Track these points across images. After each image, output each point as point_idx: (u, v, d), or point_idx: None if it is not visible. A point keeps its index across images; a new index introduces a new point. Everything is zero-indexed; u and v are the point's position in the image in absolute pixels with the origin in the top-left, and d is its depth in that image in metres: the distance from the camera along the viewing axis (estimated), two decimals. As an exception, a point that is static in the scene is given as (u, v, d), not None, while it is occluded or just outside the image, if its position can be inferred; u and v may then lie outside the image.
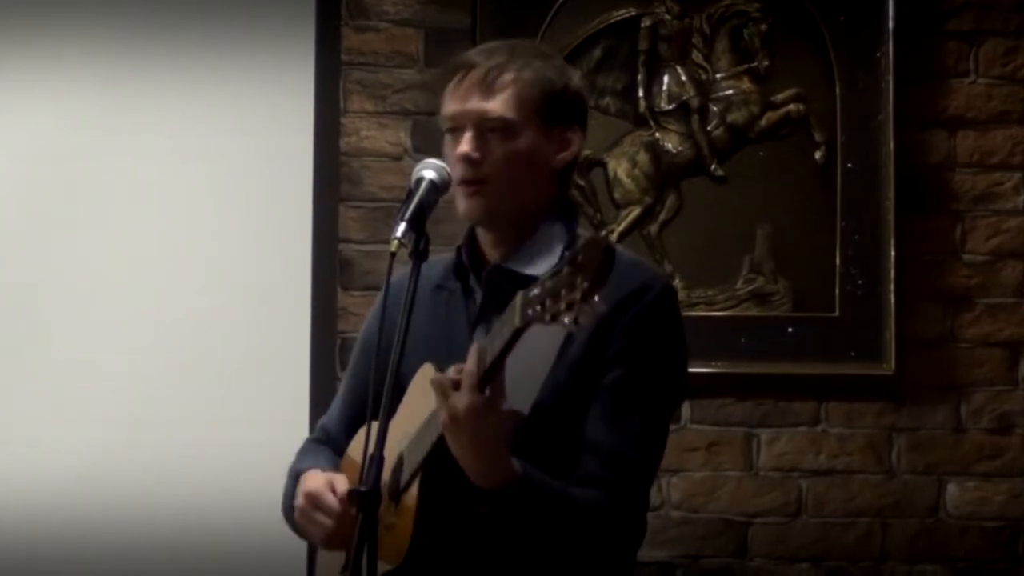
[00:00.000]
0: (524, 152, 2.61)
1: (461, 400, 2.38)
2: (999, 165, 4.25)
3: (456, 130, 2.60)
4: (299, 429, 3.00)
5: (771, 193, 4.22)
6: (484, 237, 2.67)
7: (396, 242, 2.47)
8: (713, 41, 4.26)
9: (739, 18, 4.24)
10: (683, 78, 4.26)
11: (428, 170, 2.56)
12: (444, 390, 2.40)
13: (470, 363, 2.38)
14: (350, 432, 2.79)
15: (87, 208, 4.20)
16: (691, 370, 4.11)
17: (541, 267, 2.57)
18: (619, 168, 4.24)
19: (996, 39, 4.26)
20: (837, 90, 4.21)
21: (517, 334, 2.28)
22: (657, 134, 4.25)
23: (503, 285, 2.58)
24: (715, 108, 4.25)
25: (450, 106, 2.61)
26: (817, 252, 4.21)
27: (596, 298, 2.13)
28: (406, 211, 2.50)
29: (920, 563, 4.21)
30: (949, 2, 4.24)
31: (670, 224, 4.23)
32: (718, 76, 4.26)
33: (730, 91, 4.25)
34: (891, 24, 4.18)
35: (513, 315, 2.27)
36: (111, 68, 4.21)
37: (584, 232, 2.70)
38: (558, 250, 2.63)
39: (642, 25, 4.25)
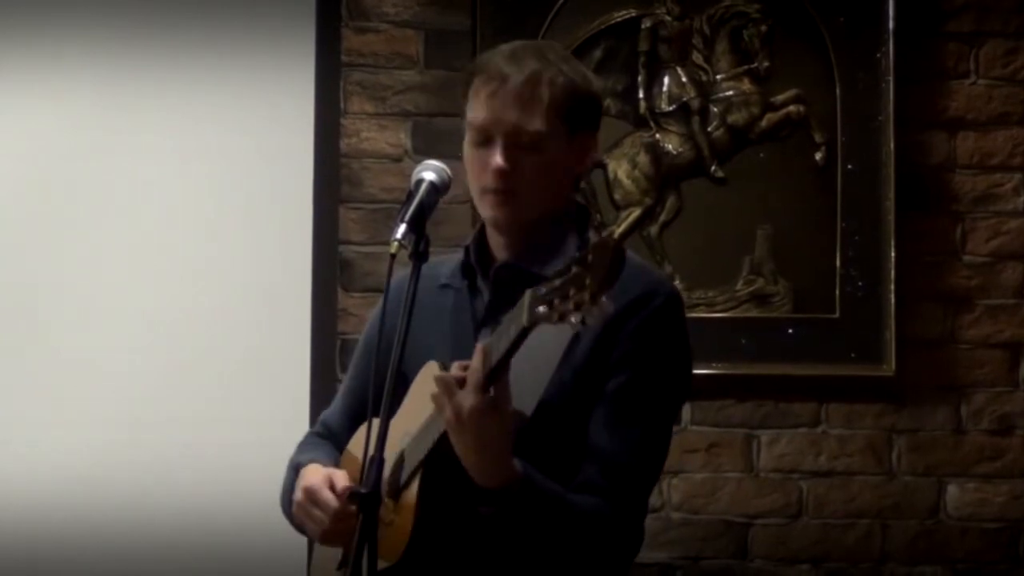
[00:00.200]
0: (553, 164, 2.60)
1: (466, 399, 2.38)
2: (999, 166, 4.25)
3: (486, 140, 2.59)
4: (299, 429, 3.00)
5: (771, 194, 4.23)
6: (496, 239, 2.66)
7: (396, 243, 2.47)
8: (713, 42, 4.26)
9: (739, 19, 4.24)
10: (683, 79, 4.26)
11: (428, 171, 2.56)
12: (449, 388, 2.40)
13: (475, 362, 2.38)
14: (351, 428, 2.79)
15: (87, 208, 4.20)
16: (692, 371, 4.13)
17: (551, 267, 2.55)
18: (619, 169, 4.24)
19: (996, 40, 4.26)
20: (837, 91, 4.21)
21: (524, 333, 2.28)
22: (657, 135, 4.25)
23: (511, 283, 2.58)
24: (715, 109, 4.25)
25: (481, 115, 2.59)
26: (817, 253, 4.21)
27: (604, 299, 2.13)
28: (406, 212, 2.50)
29: (920, 564, 4.21)
30: (949, 3, 4.24)
31: (670, 225, 4.23)
32: (718, 77, 4.26)
33: (730, 92, 4.25)
34: (891, 25, 4.18)
35: (521, 313, 2.27)
36: (111, 68, 4.21)
37: (594, 236, 2.70)
38: (570, 251, 2.62)
39: (642, 26, 4.25)
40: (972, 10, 4.24)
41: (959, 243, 4.24)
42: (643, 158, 4.24)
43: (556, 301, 2.19)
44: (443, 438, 2.44)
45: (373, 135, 4.25)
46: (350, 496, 2.45)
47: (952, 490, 4.22)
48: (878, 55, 4.20)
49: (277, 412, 4.05)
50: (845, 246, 4.20)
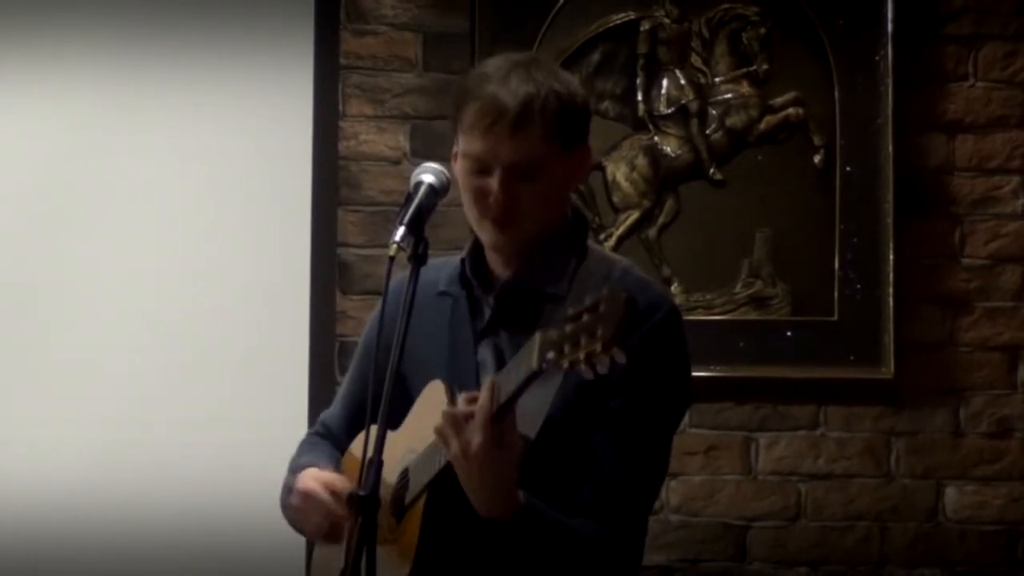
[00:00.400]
0: (552, 187, 2.60)
1: (474, 436, 2.38)
2: (998, 169, 4.25)
3: (483, 169, 2.58)
4: (298, 430, 3.00)
5: (770, 197, 4.22)
6: (494, 256, 2.66)
7: (395, 246, 2.47)
8: (712, 45, 4.26)
9: (738, 22, 4.24)
10: (682, 82, 4.26)
11: (427, 174, 2.57)
12: (457, 424, 2.40)
13: (483, 398, 2.38)
14: (350, 429, 2.80)
15: (87, 208, 4.20)
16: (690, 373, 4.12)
17: (553, 284, 2.60)
18: (618, 172, 4.24)
19: (995, 43, 4.25)
20: (836, 94, 4.21)
21: (533, 376, 2.29)
22: (656, 138, 4.25)
23: (515, 301, 2.61)
24: (714, 112, 4.25)
25: (477, 146, 2.57)
26: (816, 256, 4.21)
27: (616, 349, 2.14)
28: (405, 215, 2.50)
29: (919, 567, 4.21)
30: (948, 6, 4.24)
31: (669, 228, 4.23)
32: (717, 80, 4.26)
33: (729, 95, 4.25)
34: (890, 28, 4.18)
35: (531, 357, 2.28)
36: (111, 68, 4.21)
37: (594, 244, 2.71)
38: (571, 266, 2.63)
39: (641, 29, 4.25)
40: (971, 13, 4.24)
41: (958, 246, 4.24)
42: (641, 161, 4.24)
43: (567, 348, 2.20)
44: (449, 466, 2.44)
45: (372, 138, 4.25)
46: (349, 498, 2.45)
47: (951, 492, 4.22)
48: (877, 58, 4.20)
49: (276, 413, 4.05)
50: (844, 249, 4.20)
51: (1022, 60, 4.26)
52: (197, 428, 4.12)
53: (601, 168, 4.23)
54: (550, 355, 2.22)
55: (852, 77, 4.21)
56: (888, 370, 4.17)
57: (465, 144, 2.59)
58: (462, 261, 2.70)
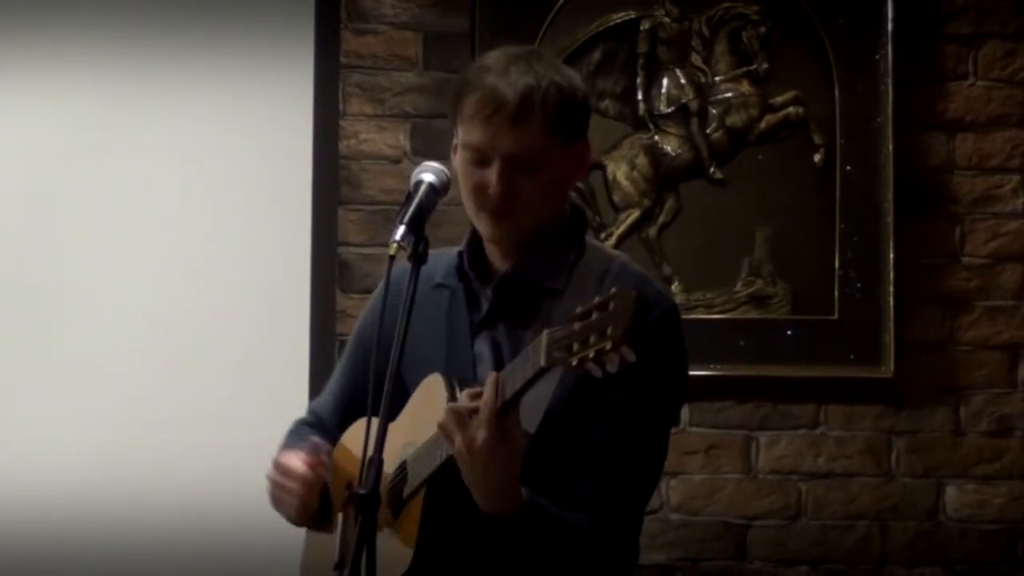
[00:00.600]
0: (551, 180, 2.61)
1: (479, 432, 2.38)
2: (998, 168, 4.25)
3: (483, 161, 2.59)
4: (298, 430, 3.03)
5: (770, 196, 4.23)
6: (493, 248, 2.66)
7: (395, 245, 2.47)
8: (712, 44, 4.26)
9: (738, 21, 4.24)
10: (682, 81, 4.26)
11: (427, 173, 2.56)
12: (461, 420, 2.40)
13: (488, 393, 2.38)
14: (342, 420, 2.80)
15: (87, 208, 4.20)
16: (690, 373, 4.13)
17: (552, 279, 2.60)
18: (618, 171, 4.24)
19: (995, 42, 4.26)
20: (836, 93, 4.21)
21: (541, 373, 2.29)
22: (656, 137, 4.25)
23: (514, 294, 2.61)
24: (714, 111, 4.25)
25: (477, 137, 2.58)
26: (816, 255, 4.21)
27: (625, 347, 2.15)
28: (405, 214, 2.50)
29: (919, 566, 4.21)
30: (948, 5, 4.24)
31: (669, 227, 4.23)
32: (717, 79, 4.26)
33: (729, 94, 4.25)
34: (890, 27, 4.18)
35: (538, 354, 2.28)
36: (111, 68, 4.21)
37: (591, 240, 2.71)
38: (569, 260, 2.64)
39: (641, 28, 4.25)
40: (971, 12, 4.24)
41: (958, 245, 4.24)
42: (642, 160, 4.24)
43: (575, 346, 2.20)
44: (449, 461, 2.45)
45: (372, 137, 4.25)
46: (349, 497, 2.45)
47: (951, 491, 4.22)
48: (877, 57, 4.20)
49: (276, 413, 4.02)
50: (844, 247, 4.20)
51: (1022, 59, 4.26)
52: (197, 428, 4.12)
53: (601, 167, 4.23)
54: (558, 352, 2.22)
55: (852, 76, 4.21)
56: (888, 369, 4.17)
57: (465, 135, 2.59)
58: (460, 254, 2.70)
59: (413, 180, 2.57)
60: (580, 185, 4.18)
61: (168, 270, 4.19)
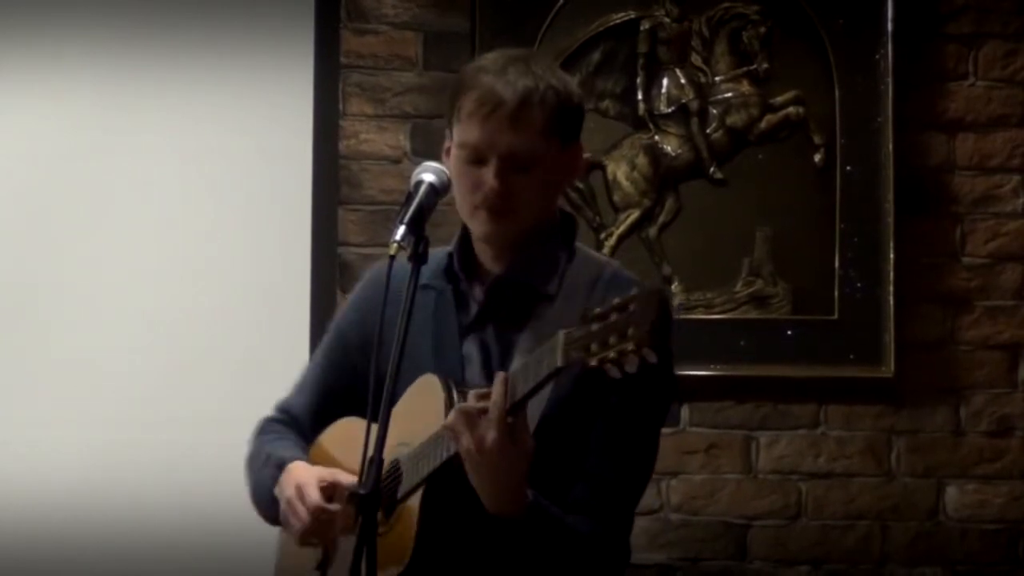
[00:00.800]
0: (548, 180, 2.62)
1: (489, 432, 2.38)
2: (998, 168, 4.25)
3: (479, 159, 2.59)
4: (298, 430, 3.03)
5: (770, 196, 4.22)
6: (484, 249, 2.66)
7: (395, 245, 2.47)
8: (712, 44, 4.26)
9: (738, 21, 4.24)
10: (682, 81, 4.26)
11: (427, 173, 2.57)
12: (471, 420, 2.40)
13: (497, 394, 2.39)
14: (317, 420, 2.80)
15: (87, 208, 4.20)
16: (690, 373, 4.17)
17: (545, 282, 2.61)
18: (618, 171, 4.24)
19: (995, 42, 4.25)
20: (836, 93, 4.21)
21: (556, 373, 2.30)
22: (656, 137, 4.25)
23: (506, 297, 2.62)
24: (714, 111, 4.25)
25: (474, 135, 2.58)
26: (816, 255, 4.21)
27: (647, 349, 2.16)
28: (405, 214, 2.50)
29: (920, 566, 4.21)
30: (948, 5, 4.24)
31: (669, 227, 4.23)
32: (717, 79, 4.26)
33: (729, 94, 4.25)
34: (890, 27, 4.18)
35: (555, 354, 2.28)
36: (111, 68, 4.21)
37: (581, 244, 2.72)
38: (561, 264, 2.65)
39: (641, 28, 4.25)
40: (971, 12, 4.24)
41: (958, 244, 4.24)
42: (642, 160, 4.24)
43: (593, 346, 2.21)
44: (450, 461, 2.45)
45: (372, 137, 4.25)
46: (349, 497, 2.45)
47: (951, 491, 4.22)
48: (877, 57, 4.20)
49: (276, 413, 4.05)
50: (844, 247, 4.20)
51: (1022, 59, 4.26)
52: (197, 428, 4.12)
53: (602, 167, 4.23)
54: (576, 353, 2.23)
55: (852, 76, 4.21)
56: (888, 369, 4.17)
57: (461, 134, 2.60)
58: (449, 255, 2.70)
59: (413, 180, 2.58)
60: (580, 185, 4.19)
61: (168, 270, 4.19)
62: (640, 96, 4.24)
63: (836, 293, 4.20)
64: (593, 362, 2.20)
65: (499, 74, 2.59)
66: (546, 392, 2.47)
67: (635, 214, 4.23)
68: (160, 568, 4.14)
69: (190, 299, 4.19)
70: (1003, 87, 4.26)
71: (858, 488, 4.22)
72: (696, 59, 4.26)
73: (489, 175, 2.58)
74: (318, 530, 2.62)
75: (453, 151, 2.63)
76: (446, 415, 2.49)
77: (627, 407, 2.56)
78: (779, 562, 4.21)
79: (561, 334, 2.28)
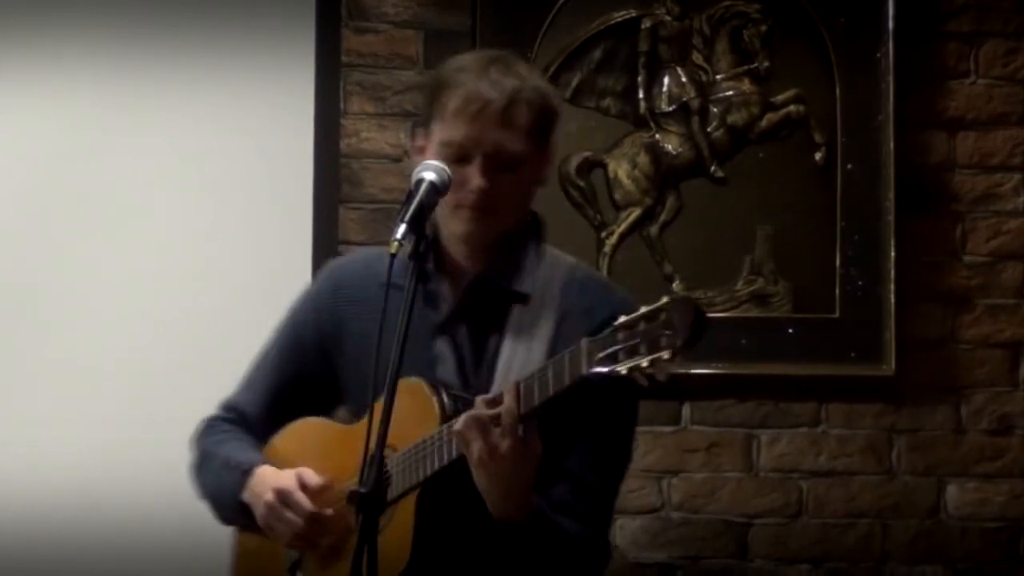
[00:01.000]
0: (530, 180, 2.66)
1: (503, 440, 2.40)
2: (999, 166, 4.25)
3: (463, 158, 2.61)
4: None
5: (771, 194, 4.23)
6: (458, 248, 2.68)
7: (396, 243, 2.48)
8: (713, 42, 4.26)
9: (739, 19, 4.24)
10: (683, 79, 4.26)
11: (428, 172, 2.57)
12: (484, 427, 2.41)
13: (509, 402, 2.41)
14: (269, 418, 2.82)
15: (87, 208, 4.20)
16: (691, 371, 4.16)
17: (523, 283, 2.64)
18: (619, 169, 4.24)
19: (996, 40, 4.26)
20: (837, 91, 4.21)
21: (580, 382, 2.31)
22: (657, 135, 4.25)
23: (483, 297, 2.63)
24: (715, 109, 4.25)
25: (460, 133, 2.61)
26: (817, 253, 4.21)
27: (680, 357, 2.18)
28: (406, 212, 2.51)
29: (920, 564, 4.21)
30: (949, 3, 4.24)
31: (670, 225, 4.23)
32: (718, 77, 4.26)
33: (730, 92, 4.25)
34: (891, 25, 4.18)
35: (578, 363, 2.30)
36: (111, 68, 4.21)
37: (549, 245, 2.75)
38: (534, 263, 2.67)
39: (642, 26, 4.25)
40: (972, 10, 4.24)
41: (959, 243, 4.24)
42: (643, 158, 4.24)
43: (622, 355, 2.24)
44: (450, 465, 2.47)
45: (373, 135, 4.25)
46: (349, 496, 2.46)
47: (952, 490, 4.22)
48: (878, 55, 4.20)
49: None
50: (845, 246, 4.20)
51: (1023, 57, 4.26)
52: (197, 428, 4.12)
53: (603, 165, 4.23)
54: (604, 362, 2.25)
55: (853, 74, 4.21)
56: (889, 367, 4.17)
57: (444, 133, 2.62)
58: (421, 254, 2.68)
59: (414, 179, 2.58)
60: (581, 184, 4.20)
61: (168, 270, 4.19)
62: (641, 94, 4.24)
63: (837, 291, 4.20)
64: (623, 370, 2.22)
65: (482, 73, 2.62)
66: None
67: (636, 212, 4.23)
68: (160, 568, 4.14)
69: (190, 299, 4.18)
70: (1004, 85, 4.26)
71: (859, 486, 4.22)
72: (697, 57, 4.26)
73: (475, 173, 2.60)
74: (310, 534, 2.63)
75: (432, 150, 2.65)
76: (442, 420, 2.50)
77: (605, 410, 2.58)
78: (780, 560, 4.21)
79: (584, 343, 2.30)
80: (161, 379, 4.15)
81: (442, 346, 2.63)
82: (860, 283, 4.19)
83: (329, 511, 2.61)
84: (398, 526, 2.51)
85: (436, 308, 2.68)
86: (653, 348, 2.20)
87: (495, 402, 2.43)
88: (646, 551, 4.15)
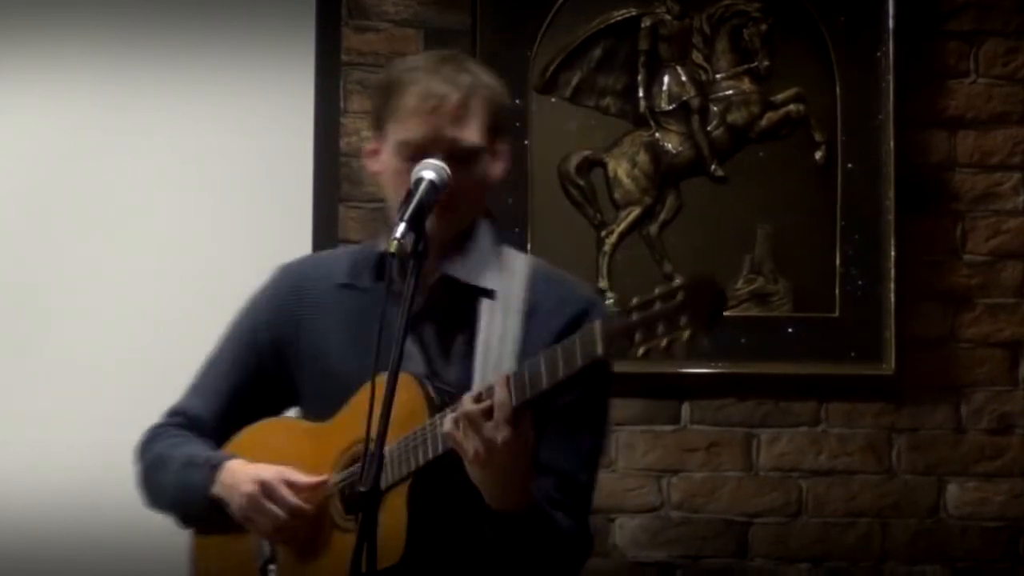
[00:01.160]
0: (487, 175, 2.66)
1: (499, 433, 2.40)
2: (999, 165, 4.25)
3: (422, 155, 2.61)
4: (299, 429, 3.02)
5: (771, 193, 4.23)
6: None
7: (396, 242, 2.47)
8: (713, 41, 4.26)
9: (739, 18, 4.24)
10: (683, 78, 4.26)
11: (428, 171, 2.57)
12: (476, 422, 2.41)
13: (502, 394, 2.40)
14: (224, 422, 2.81)
15: (87, 208, 4.20)
16: (691, 370, 4.17)
17: (487, 279, 2.64)
18: (619, 168, 4.24)
19: (996, 39, 4.26)
20: (837, 90, 4.21)
21: (594, 363, 2.31)
22: (657, 134, 4.25)
23: (450, 295, 2.64)
24: (715, 108, 4.25)
25: (418, 131, 2.61)
26: (817, 252, 4.21)
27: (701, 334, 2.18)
28: (406, 211, 2.50)
29: (920, 563, 4.21)
30: (949, 2, 4.24)
31: (670, 224, 4.23)
32: (718, 76, 4.26)
33: (730, 91, 4.25)
34: (891, 24, 4.19)
35: (592, 346, 2.30)
36: (111, 68, 4.21)
37: (506, 245, 2.76)
38: (495, 260, 2.68)
39: (642, 25, 4.25)
40: (972, 9, 4.25)
41: (959, 242, 4.24)
42: (643, 157, 4.24)
43: (638, 336, 2.23)
44: (438, 459, 2.47)
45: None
46: (350, 494, 2.45)
47: (952, 489, 4.22)
48: (878, 54, 4.20)
49: (276, 412, 4.04)
50: (845, 245, 4.20)
51: (1023, 57, 4.26)
52: (197, 428, 4.12)
53: (603, 164, 4.23)
54: (620, 343, 2.25)
55: (853, 73, 4.21)
56: (889, 366, 4.17)
57: (401, 132, 2.63)
58: (380, 255, 2.69)
59: (413, 177, 2.57)
60: (581, 183, 4.20)
61: (168, 270, 4.19)
62: (641, 93, 4.24)
63: (837, 290, 4.20)
64: (640, 351, 2.22)
65: (435, 71, 2.64)
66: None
67: (636, 211, 4.23)
68: (160, 568, 4.13)
69: (190, 299, 4.18)
70: (1004, 84, 4.26)
71: (859, 486, 4.22)
72: (697, 56, 4.26)
73: None
74: (290, 526, 2.63)
75: (387, 152, 2.66)
76: (431, 412, 2.51)
77: (583, 404, 2.59)
78: (780, 560, 4.21)
79: (597, 325, 2.29)
80: (161, 379, 4.12)
81: (408, 345, 2.62)
82: (860, 282, 4.19)
83: (309, 507, 2.62)
84: (389, 516, 2.50)
85: (401, 306, 2.67)
86: (671, 328, 2.20)
87: (482, 397, 2.43)
88: (646, 550, 4.15)
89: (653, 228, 4.23)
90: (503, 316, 2.61)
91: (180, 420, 2.87)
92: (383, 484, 2.51)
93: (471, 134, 2.61)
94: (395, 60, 2.73)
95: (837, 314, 4.20)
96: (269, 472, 2.65)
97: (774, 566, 4.21)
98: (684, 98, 4.25)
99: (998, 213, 4.24)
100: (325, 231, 4.21)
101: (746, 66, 4.25)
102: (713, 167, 4.23)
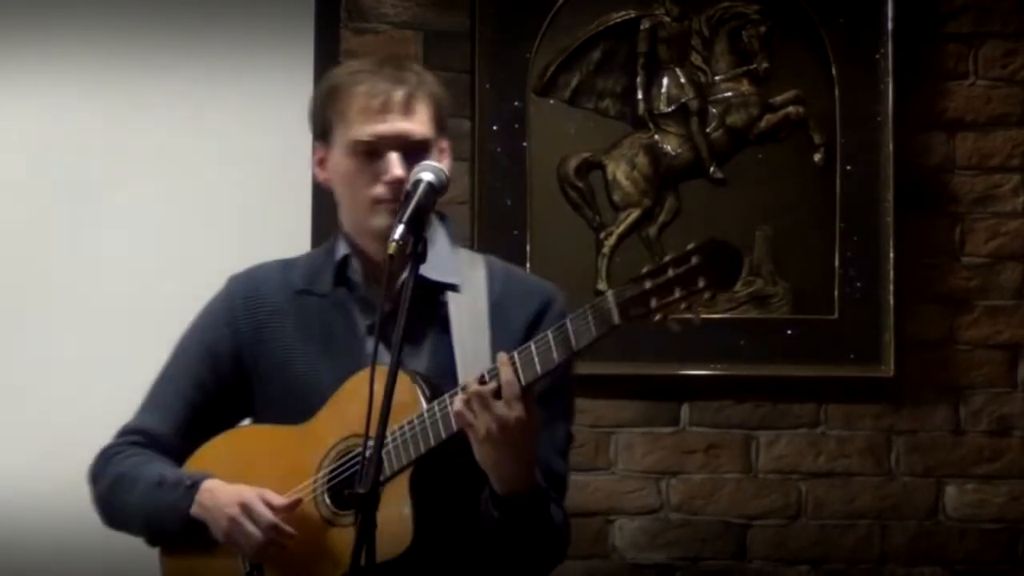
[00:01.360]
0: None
1: (511, 412, 2.42)
2: (998, 167, 4.25)
3: (375, 152, 2.64)
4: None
5: (770, 195, 4.23)
6: (378, 246, 2.65)
7: (394, 244, 2.48)
8: (712, 43, 4.26)
9: (738, 20, 4.24)
10: (682, 80, 4.26)
11: (426, 172, 2.58)
12: (485, 401, 2.43)
13: (507, 373, 2.42)
14: (185, 437, 2.80)
15: (87, 207, 4.20)
16: (690, 372, 4.17)
17: (447, 272, 2.66)
18: (618, 170, 4.24)
19: (995, 41, 4.26)
20: (836, 92, 4.21)
21: (610, 331, 2.33)
22: (656, 136, 4.25)
23: (414, 292, 2.61)
24: (714, 110, 4.25)
25: (366, 130, 2.64)
26: (816, 254, 4.21)
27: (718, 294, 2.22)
28: (404, 213, 2.51)
29: (919, 565, 4.21)
30: (948, 4, 4.24)
31: (669, 226, 4.23)
32: (717, 78, 4.26)
33: (729, 93, 4.25)
34: (890, 26, 4.19)
35: (608, 315, 2.32)
36: (111, 68, 4.21)
37: (462, 246, 2.80)
38: (453, 257, 2.71)
39: (641, 27, 4.25)
40: (971, 11, 4.25)
41: (958, 244, 4.24)
42: (642, 159, 4.24)
43: (654, 302, 2.25)
44: (441, 446, 2.48)
45: (372, 136, 4.25)
46: (349, 496, 2.46)
47: (951, 491, 4.22)
48: (877, 56, 4.20)
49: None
50: (844, 247, 4.20)
51: (1022, 58, 4.26)
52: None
53: (601, 166, 4.23)
54: (636, 310, 2.27)
55: (852, 75, 4.21)
56: (888, 368, 4.17)
57: (350, 133, 2.65)
58: (344, 259, 2.73)
59: (412, 179, 2.59)
60: (580, 185, 4.20)
61: (167, 270, 4.19)
62: (640, 95, 4.24)
63: (836, 292, 4.20)
64: (656, 317, 2.25)
65: (377, 71, 2.68)
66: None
67: (635, 213, 4.23)
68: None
69: (189, 299, 4.17)
70: (1003, 86, 4.26)
71: (858, 488, 4.22)
72: (696, 58, 4.26)
73: (388, 165, 2.63)
74: (275, 544, 2.63)
75: (337, 155, 2.68)
76: (426, 402, 2.52)
77: (554, 395, 2.61)
78: (779, 561, 4.21)
79: (610, 295, 2.32)
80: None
81: (372, 346, 2.63)
82: (859, 284, 4.19)
83: (290, 529, 2.61)
84: (392, 505, 2.50)
85: (369, 311, 2.69)
86: (689, 290, 2.22)
87: (485, 379, 2.45)
88: (645, 552, 4.15)
89: (652, 230, 4.23)
90: (471, 309, 2.62)
91: (139, 439, 2.86)
92: (382, 476, 2.54)
93: (420, 127, 2.64)
94: (330, 69, 2.76)
95: (836, 316, 4.20)
96: (249, 493, 2.65)
97: (773, 568, 4.21)
98: (683, 100, 4.25)
99: (997, 215, 4.24)
100: (325, 233, 4.19)
101: (745, 68, 4.25)
102: (712, 169, 4.23)
